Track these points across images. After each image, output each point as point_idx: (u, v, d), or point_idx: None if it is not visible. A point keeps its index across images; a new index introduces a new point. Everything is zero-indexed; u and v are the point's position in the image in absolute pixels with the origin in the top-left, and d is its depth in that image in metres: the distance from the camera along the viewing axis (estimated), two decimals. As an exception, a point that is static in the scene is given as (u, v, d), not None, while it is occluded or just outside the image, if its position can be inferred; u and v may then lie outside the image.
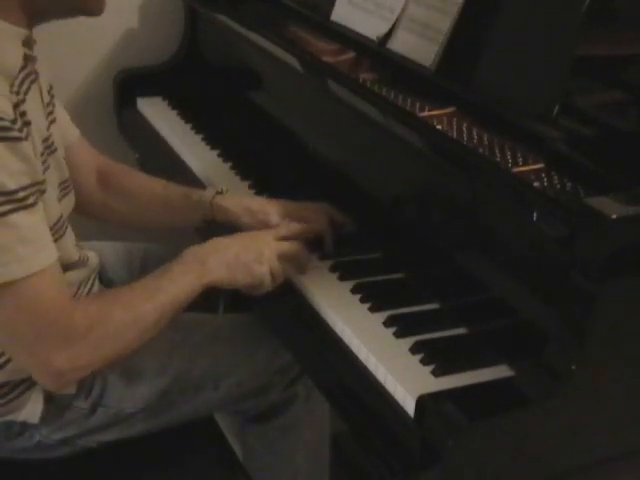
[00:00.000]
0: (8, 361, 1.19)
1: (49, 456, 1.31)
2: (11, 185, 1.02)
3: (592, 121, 1.26)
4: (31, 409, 1.25)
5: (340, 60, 1.58)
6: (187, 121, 1.91)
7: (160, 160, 1.80)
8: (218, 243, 1.26)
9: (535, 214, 1.05)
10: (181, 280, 1.19)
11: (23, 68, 1.14)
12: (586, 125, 1.26)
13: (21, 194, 1.03)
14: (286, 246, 1.29)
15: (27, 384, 1.23)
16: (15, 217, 1.02)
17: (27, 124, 1.09)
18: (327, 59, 1.57)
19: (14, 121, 1.04)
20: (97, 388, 1.29)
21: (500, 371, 1.09)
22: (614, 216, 0.96)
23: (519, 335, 1.12)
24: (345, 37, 1.58)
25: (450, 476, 0.98)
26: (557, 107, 1.17)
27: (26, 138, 1.06)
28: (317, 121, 1.56)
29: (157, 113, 1.97)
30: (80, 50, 2.01)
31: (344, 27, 1.59)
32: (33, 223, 1.05)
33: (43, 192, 1.10)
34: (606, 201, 0.99)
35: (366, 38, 1.52)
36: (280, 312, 1.35)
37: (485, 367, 1.09)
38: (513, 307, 1.13)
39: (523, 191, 1.11)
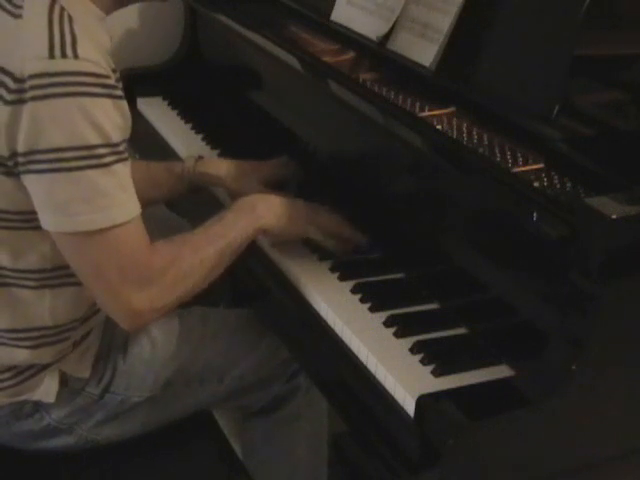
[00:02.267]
0: (31, 346, 1.23)
1: (53, 445, 1.33)
2: (116, 138, 1.10)
3: (592, 121, 1.26)
4: (46, 389, 1.28)
5: (340, 60, 1.58)
6: (187, 121, 1.90)
7: (160, 160, 1.80)
8: (267, 195, 1.37)
9: (535, 214, 1.05)
10: (236, 225, 1.28)
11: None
12: (586, 125, 1.26)
13: (121, 147, 1.12)
14: (330, 217, 1.35)
15: (43, 365, 1.26)
16: (117, 167, 1.11)
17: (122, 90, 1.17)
18: (327, 59, 1.57)
19: (117, 81, 1.14)
20: (108, 374, 1.33)
21: (500, 371, 1.09)
22: (614, 216, 0.96)
23: (519, 335, 1.11)
24: (345, 37, 1.58)
25: (450, 476, 0.98)
26: (557, 107, 1.17)
27: (124, 98, 1.14)
28: (317, 121, 1.56)
29: (157, 113, 1.97)
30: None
31: (344, 27, 1.58)
32: (129, 174, 1.14)
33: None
34: (606, 201, 0.99)
35: (366, 38, 1.52)
36: (280, 311, 1.35)
37: (485, 367, 1.09)
38: (513, 307, 1.13)
39: (523, 191, 1.11)
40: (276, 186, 1.51)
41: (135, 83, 2.05)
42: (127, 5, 1.24)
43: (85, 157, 1.07)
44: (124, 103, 1.14)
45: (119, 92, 1.12)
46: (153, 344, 1.36)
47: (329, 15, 1.63)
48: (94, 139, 1.07)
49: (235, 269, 1.30)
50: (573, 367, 0.99)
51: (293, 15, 1.78)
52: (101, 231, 1.10)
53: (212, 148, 1.77)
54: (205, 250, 1.23)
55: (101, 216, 1.09)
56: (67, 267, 1.20)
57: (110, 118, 1.09)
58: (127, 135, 1.16)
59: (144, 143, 1.95)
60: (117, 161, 1.10)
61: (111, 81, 1.10)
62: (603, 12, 1.20)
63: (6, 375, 1.25)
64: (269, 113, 1.74)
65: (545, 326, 1.05)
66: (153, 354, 1.35)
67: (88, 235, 1.10)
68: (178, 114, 1.95)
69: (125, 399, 1.34)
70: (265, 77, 1.76)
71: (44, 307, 1.22)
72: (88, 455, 1.34)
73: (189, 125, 1.88)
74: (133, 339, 1.36)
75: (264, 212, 1.31)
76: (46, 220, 1.11)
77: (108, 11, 1.21)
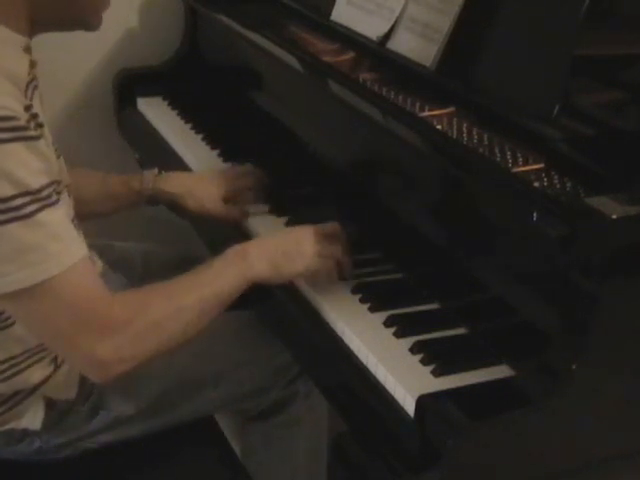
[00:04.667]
0: (11, 375, 1.19)
1: (50, 459, 1.31)
2: (35, 184, 1.01)
3: (592, 121, 1.26)
4: (32, 416, 1.25)
5: (340, 60, 1.58)
6: (187, 121, 1.90)
7: (160, 160, 1.80)
8: (259, 240, 1.29)
9: (535, 214, 1.05)
10: (224, 274, 1.18)
11: (29, 75, 1.14)
12: (586, 125, 1.26)
13: (44, 192, 1.03)
14: (327, 239, 1.26)
15: (26, 392, 1.23)
16: (42, 215, 1.02)
17: (40, 126, 1.10)
18: (327, 59, 1.57)
19: (28, 121, 1.04)
20: (96, 392, 1.29)
21: (500, 371, 1.09)
22: (614, 216, 0.96)
23: (519, 335, 1.11)
24: (345, 37, 1.58)
25: (450, 476, 0.98)
26: (557, 107, 1.17)
27: (41, 137, 1.06)
28: (317, 121, 1.56)
29: (157, 113, 1.97)
30: (80, 50, 2.00)
31: (344, 27, 1.58)
32: (60, 219, 1.05)
33: (60, 192, 1.10)
34: (606, 201, 0.99)
35: (366, 38, 1.52)
36: (280, 312, 1.35)
37: (485, 367, 1.09)
38: (513, 307, 1.13)
39: (523, 191, 1.11)
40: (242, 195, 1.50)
41: (135, 83, 2.05)
42: (49, 32, 1.17)
43: (1, 211, 0.98)
44: (40, 143, 1.04)
45: (32, 132, 1.03)
46: None
47: (329, 15, 1.63)
48: (8, 190, 0.98)
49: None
50: (573, 367, 0.98)
51: (293, 15, 1.78)
52: (38, 286, 1.02)
53: (212, 148, 1.77)
54: (182, 299, 1.14)
55: (33, 272, 1.01)
56: None
57: (24, 164, 1.00)
58: (54, 176, 1.07)
59: (144, 143, 1.96)
60: (40, 209, 1.01)
61: (20, 122, 1.01)
62: (603, 12, 1.20)
63: None
64: (269, 113, 1.74)
65: (545, 326, 1.05)
66: (147, 366, 1.28)
67: (26, 293, 1.02)
68: (178, 114, 1.95)
69: (119, 414, 1.30)
70: (265, 77, 1.77)
71: (6, 342, 1.17)
72: (87, 459, 1.32)
73: (189, 125, 1.88)
74: None
75: (256, 261, 1.21)
76: None
77: (31, 34, 1.14)
